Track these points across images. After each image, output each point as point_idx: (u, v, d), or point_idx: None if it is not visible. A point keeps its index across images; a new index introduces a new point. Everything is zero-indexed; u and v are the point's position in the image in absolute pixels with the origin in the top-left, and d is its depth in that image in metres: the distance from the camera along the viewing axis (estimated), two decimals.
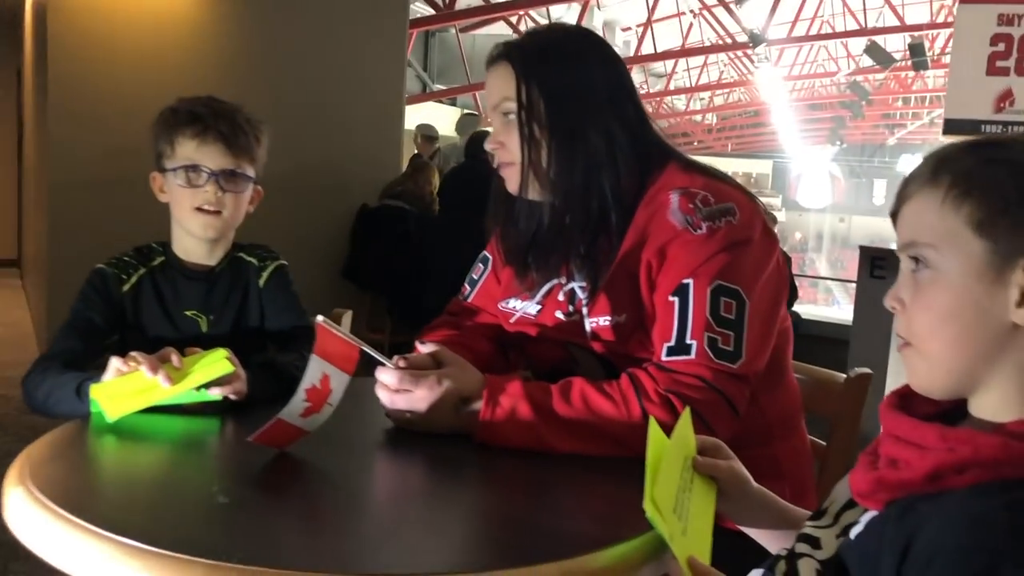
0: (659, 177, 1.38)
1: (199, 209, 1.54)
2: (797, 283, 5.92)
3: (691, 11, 14.86)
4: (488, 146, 1.42)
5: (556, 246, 1.40)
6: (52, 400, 1.36)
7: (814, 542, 0.88)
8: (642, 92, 17.48)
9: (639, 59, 14.63)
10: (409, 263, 5.22)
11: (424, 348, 1.31)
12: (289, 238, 5.27)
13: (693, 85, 18.65)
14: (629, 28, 17.04)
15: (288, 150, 5.34)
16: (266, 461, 1.13)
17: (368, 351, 1.21)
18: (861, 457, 0.86)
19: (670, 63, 17.32)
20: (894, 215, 0.86)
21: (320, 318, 1.14)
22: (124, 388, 1.28)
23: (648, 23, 14.30)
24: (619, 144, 1.37)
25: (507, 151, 1.39)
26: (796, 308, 5.93)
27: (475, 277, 1.61)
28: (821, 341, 5.91)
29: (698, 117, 21.66)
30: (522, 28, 12.23)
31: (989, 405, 0.79)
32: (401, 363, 1.25)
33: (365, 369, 1.28)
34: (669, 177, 1.37)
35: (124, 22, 4.92)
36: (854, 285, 4.79)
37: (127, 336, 1.55)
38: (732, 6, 12.11)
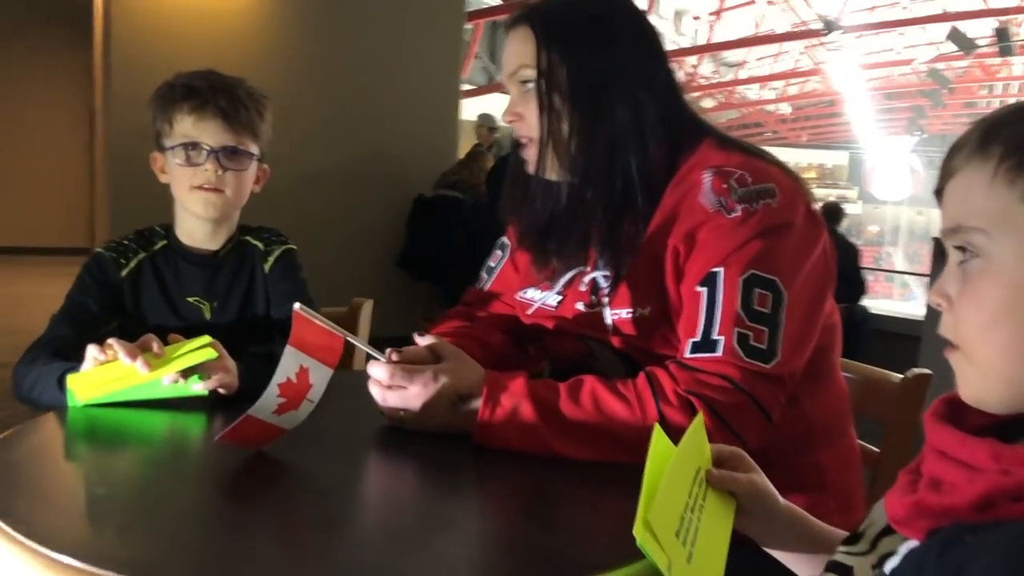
0: (692, 155, 1.25)
1: (199, 187, 1.45)
2: (871, 277, 5.69)
3: None
4: (505, 118, 1.30)
5: (575, 229, 1.28)
6: (36, 390, 1.29)
7: (846, 572, 0.74)
8: (713, 81, 17.26)
9: (710, 47, 14.33)
10: (462, 253, 5.16)
11: (422, 340, 1.19)
12: (346, 228, 5.32)
13: (766, 74, 18.20)
14: (699, 17, 16.74)
15: (345, 141, 5.38)
16: (240, 463, 1.03)
17: (356, 343, 1.10)
18: (901, 475, 0.72)
19: (742, 52, 16.94)
20: (939, 193, 0.71)
21: (297, 305, 1.04)
22: (102, 377, 1.20)
23: (719, 11, 14.00)
24: (648, 118, 1.23)
25: (525, 123, 1.27)
26: (864, 302, 5.74)
27: (492, 264, 1.49)
28: (892, 337, 5.68)
29: (772, 107, 21.18)
30: None
31: None
32: (395, 356, 1.14)
33: (360, 363, 1.18)
34: (703, 155, 1.24)
35: (185, 13, 4.96)
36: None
37: (127, 323, 1.48)
38: None
